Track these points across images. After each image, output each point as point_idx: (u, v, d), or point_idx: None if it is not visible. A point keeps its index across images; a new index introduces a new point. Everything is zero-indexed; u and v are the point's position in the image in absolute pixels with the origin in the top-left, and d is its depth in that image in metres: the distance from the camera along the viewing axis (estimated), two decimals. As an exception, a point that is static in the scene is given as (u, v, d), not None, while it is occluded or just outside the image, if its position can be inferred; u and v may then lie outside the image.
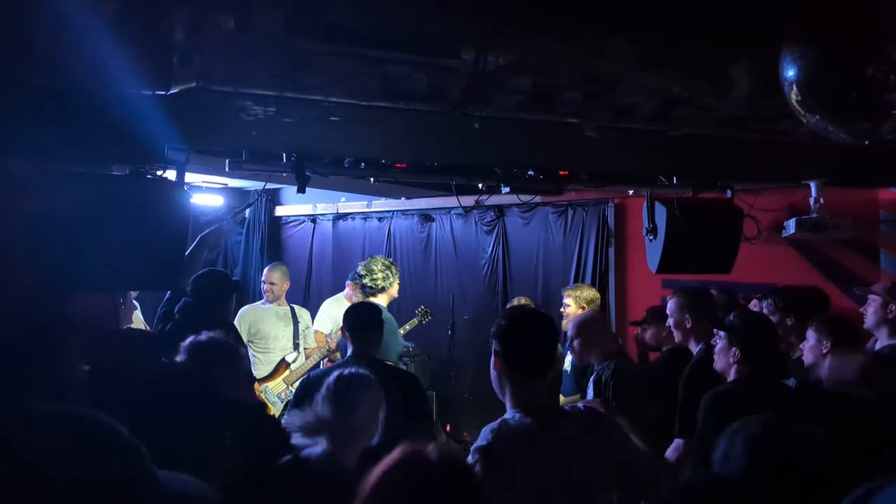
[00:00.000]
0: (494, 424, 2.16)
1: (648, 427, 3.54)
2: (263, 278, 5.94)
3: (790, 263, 5.33)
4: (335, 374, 2.65)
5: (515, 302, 5.09)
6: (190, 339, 2.92)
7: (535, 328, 2.25)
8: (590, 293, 5.13)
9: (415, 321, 6.24)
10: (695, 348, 3.67)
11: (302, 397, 3.43)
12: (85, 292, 3.83)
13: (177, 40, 2.03)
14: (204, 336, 2.91)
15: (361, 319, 3.76)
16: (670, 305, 3.82)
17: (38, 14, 2.12)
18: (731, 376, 3.08)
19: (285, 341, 5.74)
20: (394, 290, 5.40)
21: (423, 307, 6.32)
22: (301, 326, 5.85)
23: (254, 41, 2.06)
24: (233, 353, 2.99)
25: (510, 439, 2.10)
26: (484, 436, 2.13)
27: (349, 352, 3.68)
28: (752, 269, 5.04)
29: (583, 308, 4.96)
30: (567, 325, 5.05)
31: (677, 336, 3.79)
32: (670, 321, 3.81)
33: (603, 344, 3.90)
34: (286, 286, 5.94)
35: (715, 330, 3.21)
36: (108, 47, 2.07)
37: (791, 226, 4.60)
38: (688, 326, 3.68)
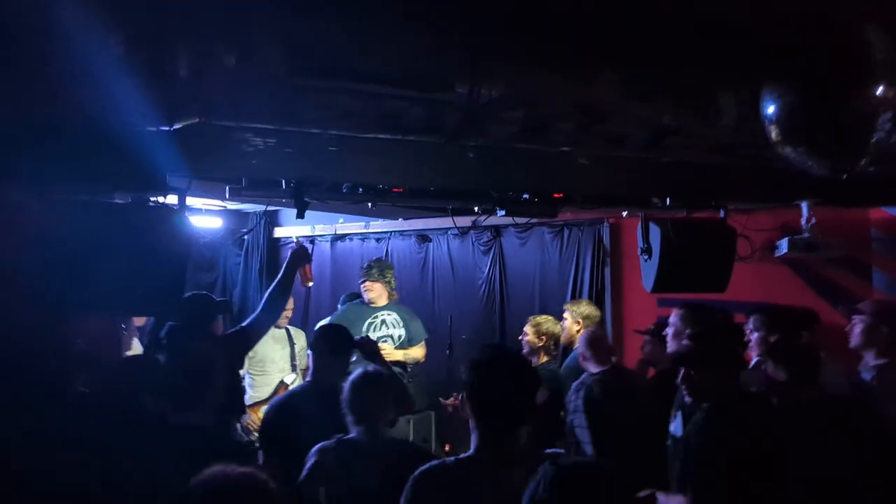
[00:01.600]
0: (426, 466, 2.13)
1: (623, 444, 3.62)
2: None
3: (784, 282, 5.39)
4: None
5: (540, 319, 5.14)
6: None
7: (507, 380, 2.12)
8: (587, 309, 5.18)
9: None
10: None
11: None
12: (87, 318, 3.89)
13: (181, 77, 2.10)
14: None
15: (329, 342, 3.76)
16: (674, 318, 3.84)
17: (44, 50, 2.18)
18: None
19: (283, 363, 5.74)
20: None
21: None
22: (297, 348, 5.86)
23: (254, 78, 2.12)
24: None
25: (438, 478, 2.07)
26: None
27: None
28: (747, 288, 5.09)
29: (578, 322, 5.02)
30: (563, 340, 5.14)
31: (672, 347, 3.80)
32: (669, 331, 3.82)
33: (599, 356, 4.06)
34: (291, 307, 5.91)
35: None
36: (113, 84, 2.13)
37: (783, 245, 4.67)
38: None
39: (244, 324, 4.45)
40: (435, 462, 2.15)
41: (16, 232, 3.03)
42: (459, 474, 2.06)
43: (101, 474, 1.99)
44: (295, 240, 4.74)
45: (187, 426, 2.76)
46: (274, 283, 4.31)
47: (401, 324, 5.86)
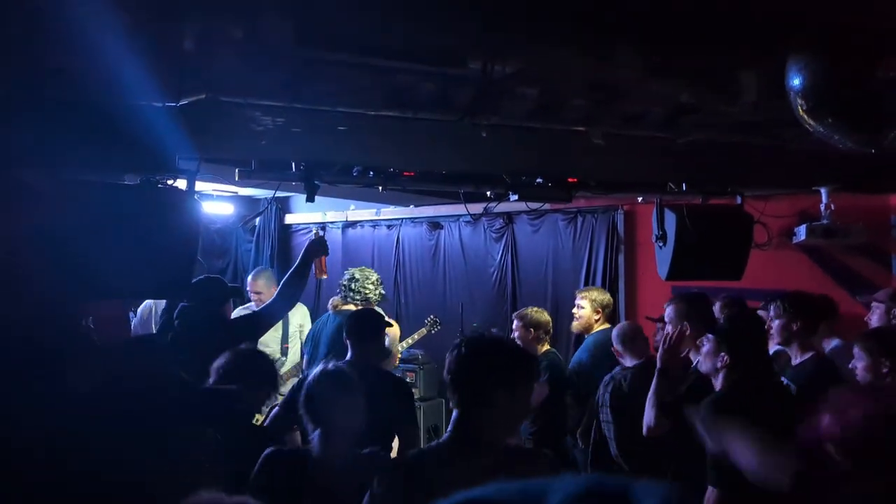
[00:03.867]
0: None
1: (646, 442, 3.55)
2: (248, 287, 5.90)
3: (801, 269, 5.30)
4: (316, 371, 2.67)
5: (525, 311, 5.05)
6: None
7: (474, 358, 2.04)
8: (605, 297, 5.09)
9: (423, 331, 6.24)
10: (694, 357, 3.60)
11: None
12: (97, 301, 3.88)
13: (186, 52, 2.05)
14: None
15: (359, 326, 3.79)
16: (668, 312, 3.73)
17: (51, 28, 2.15)
18: (719, 382, 3.04)
19: (273, 345, 5.69)
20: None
21: (432, 317, 6.31)
22: (291, 329, 5.82)
23: (262, 52, 2.08)
24: None
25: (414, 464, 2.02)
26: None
27: (348, 356, 3.70)
28: (763, 276, 5.01)
29: (598, 312, 4.93)
30: (576, 328, 5.06)
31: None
32: (668, 329, 3.71)
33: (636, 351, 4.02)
34: (273, 290, 5.87)
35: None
36: (120, 60, 2.09)
37: (802, 232, 4.58)
38: (687, 334, 3.59)
39: (258, 309, 4.45)
40: (411, 453, 2.10)
41: (25, 214, 3.02)
42: (424, 463, 2.01)
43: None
44: (314, 231, 4.70)
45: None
46: (290, 272, 4.25)
47: None
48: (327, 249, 4.38)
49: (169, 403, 1.81)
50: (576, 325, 5.05)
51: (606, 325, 4.91)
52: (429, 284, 7.27)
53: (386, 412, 3.00)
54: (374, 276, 5.46)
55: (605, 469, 3.83)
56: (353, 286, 5.36)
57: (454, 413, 2.04)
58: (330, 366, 2.66)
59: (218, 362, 3.09)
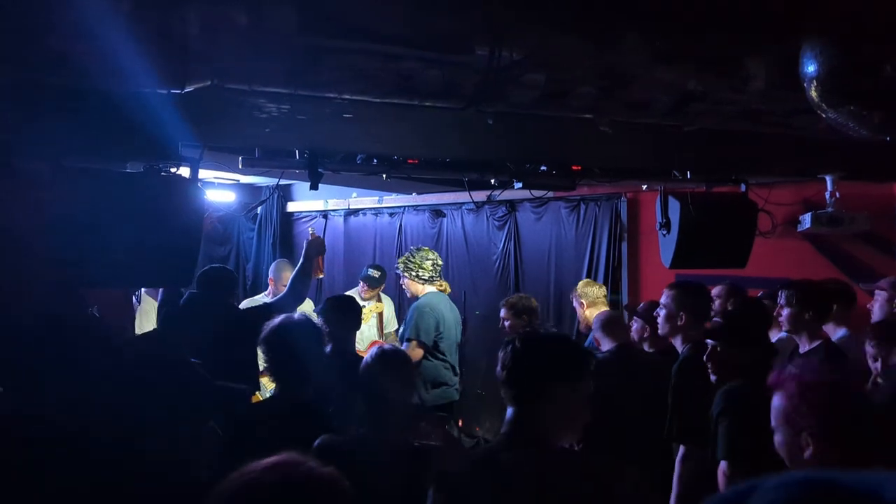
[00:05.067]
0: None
1: (623, 424, 3.55)
2: (272, 276, 5.89)
3: (805, 258, 5.29)
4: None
5: (513, 299, 5.03)
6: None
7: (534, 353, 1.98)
8: (597, 290, 5.08)
9: None
10: (679, 346, 3.55)
11: None
12: (100, 288, 3.87)
13: (191, 39, 2.03)
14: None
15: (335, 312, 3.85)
16: (666, 297, 3.69)
17: (53, 15, 2.13)
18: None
19: None
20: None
21: None
22: None
23: (267, 38, 2.06)
24: None
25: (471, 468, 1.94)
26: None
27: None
28: (767, 264, 5.00)
29: (591, 305, 4.94)
30: (584, 329, 5.05)
31: (663, 329, 3.63)
32: (661, 311, 3.67)
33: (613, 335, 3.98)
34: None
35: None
36: (124, 47, 2.07)
37: (806, 220, 4.57)
38: (679, 323, 3.53)
39: (269, 301, 4.53)
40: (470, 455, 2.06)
41: (28, 203, 3.01)
42: (475, 465, 1.97)
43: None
44: (310, 232, 4.73)
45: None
46: (295, 270, 4.46)
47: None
48: (324, 248, 4.48)
49: (183, 393, 1.80)
50: (583, 327, 5.04)
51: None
52: (431, 272, 7.26)
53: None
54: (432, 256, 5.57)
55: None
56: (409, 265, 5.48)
57: (509, 410, 1.98)
58: (387, 346, 2.78)
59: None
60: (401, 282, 5.71)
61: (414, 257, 5.49)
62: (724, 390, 2.98)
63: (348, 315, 3.94)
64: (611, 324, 4.21)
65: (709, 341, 3.07)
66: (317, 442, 2.55)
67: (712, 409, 2.95)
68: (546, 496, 1.84)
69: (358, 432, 2.64)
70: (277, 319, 3.10)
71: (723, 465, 2.86)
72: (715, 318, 3.24)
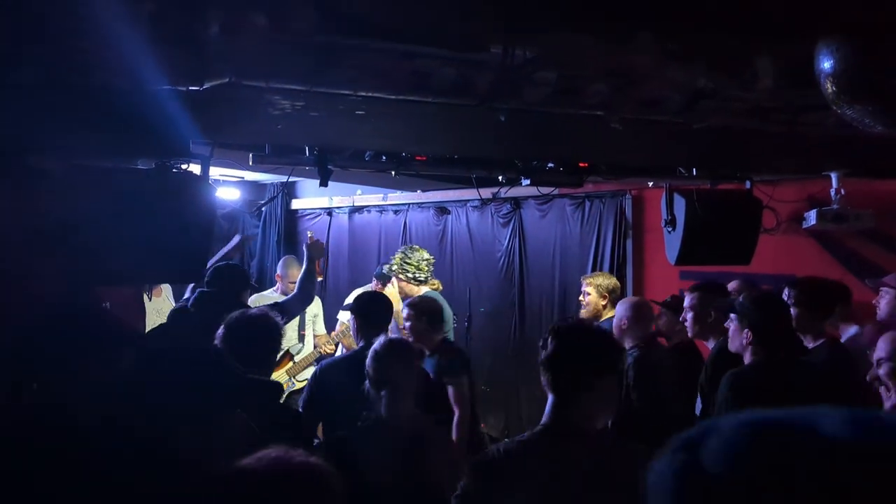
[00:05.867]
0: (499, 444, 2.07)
1: (665, 422, 3.58)
2: (280, 273, 5.93)
3: (810, 255, 5.31)
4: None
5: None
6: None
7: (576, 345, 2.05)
8: (610, 282, 5.08)
9: None
10: (710, 344, 3.66)
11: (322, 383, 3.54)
12: (112, 286, 3.90)
13: (211, 38, 2.06)
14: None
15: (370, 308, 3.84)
16: (691, 299, 3.79)
17: (73, 14, 2.15)
18: (747, 358, 3.10)
19: (290, 332, 5.72)
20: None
21: None
22: (308, 316, 5.86)
23: (286, 38, 2.08)
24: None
25: (509, 456, 1.98)
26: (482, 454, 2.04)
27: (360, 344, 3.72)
28: (772, 261, 5.03)
29: (604, 297, 4.93)
30: (585, 315, 5.05)
31: (692, 330, 3.74)
32: (689, 315, 3.76)
33: (638, 330, 3.96)
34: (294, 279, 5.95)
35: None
36: (144, 46, 2.09)
37: (812, 217, 4.59)
38: (709, 321, 3.67)
39: (280, 300, 4.61)
40: (495, 447, 2.09)
41: (40, 200, 3.03)
42: (515, 453, 2.00)
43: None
44: (309, 235, 4.79)
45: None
46: (301, 272, 4.57)
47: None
48: (324, 251, 4.55)
49: (212, 386, 1.83)
50: (584, 313, 5.02)
51: (615, 311, 4.93)
52: (436, 270, 7.24)
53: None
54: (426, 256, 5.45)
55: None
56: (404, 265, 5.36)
57: (550, 399, 2.06)
58: (393, 335, 2.99)
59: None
60: (389, 283, 5.48)
61: (410, 258, 5.27)
62: (731, 373, 3.02)
63: (377, 311, 3.90)
64: (639, 318, 4.20)
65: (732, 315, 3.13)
66: (336, 433, 2.65)
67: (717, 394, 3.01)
68: (596, 482, 1.91)
69: (369, 419, 2.75)
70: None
71: None
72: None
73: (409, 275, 5.21)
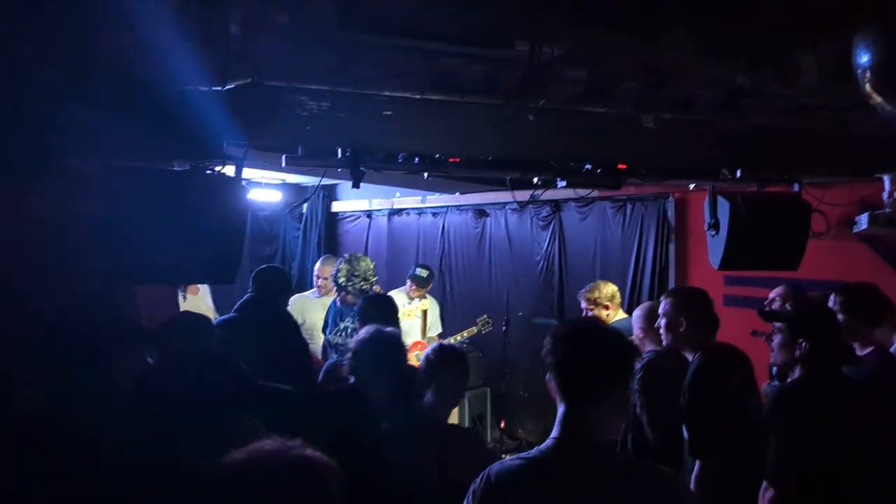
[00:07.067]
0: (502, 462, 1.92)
1: (669, 425, 3.46)
2: (317, 272, 5.99)
3: (861, 260, 5.11)
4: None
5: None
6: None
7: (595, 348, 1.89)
8: (607, 290, 4.87)
9: (474, 329, 6.23)
10: (689, 354, 3.41)
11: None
12: (146, 285, 3.95)
13: (233, 36, 2.05)
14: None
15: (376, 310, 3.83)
16: (663, 305, 3.54)
17: (101, 14, 2.17)
18: (797, 372, 2.94)
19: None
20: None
21: (485, 316, 6.27)
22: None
23: (308, 35, 2.06)
24: None
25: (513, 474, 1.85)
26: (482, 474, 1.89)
27: None
28: (821, 266, 4.84)
29: (606, 307, 4.81)
30: None
31: (666, 339, 3.46)
32: (661, 322, 3.54)
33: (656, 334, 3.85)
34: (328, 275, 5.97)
35: (774, 324, 3.06)
36: (168, 44, 2.10)
37: (863, 221, 4.42)
38: (681, 329, 3.38)
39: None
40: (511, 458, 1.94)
41: (77, 200, 3.08)
42: (529, 468, 1.87)
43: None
44: None
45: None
46: None
47: None
48: None
49: (222, 391, 1.83)
50: None
51: (623, 316, 4.82)
52: (474, 272, 7.24)
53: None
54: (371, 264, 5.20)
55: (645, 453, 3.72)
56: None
57: (561, 410, 1.90)
58: (445, 341, 3.11)
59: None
60: (338, 295, 5.16)
61: (357, 270, 4.95)
62: (780, 390, 2.90)
63: (384, 313, 3.89)
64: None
65: (777, 324, 2.97)
66: (385, 425, 2.83)
67: (765, 410, 2.88)
68: (610, 499, 1.80)
69: (423, 414, 2.89)
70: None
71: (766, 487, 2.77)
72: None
73: (357, 287, 4.92)
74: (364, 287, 4.95)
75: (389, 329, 3.25)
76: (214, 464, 1.34)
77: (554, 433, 1.88)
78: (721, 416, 3.14)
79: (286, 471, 1.33)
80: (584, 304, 4.89)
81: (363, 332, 3.21)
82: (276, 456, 1.35)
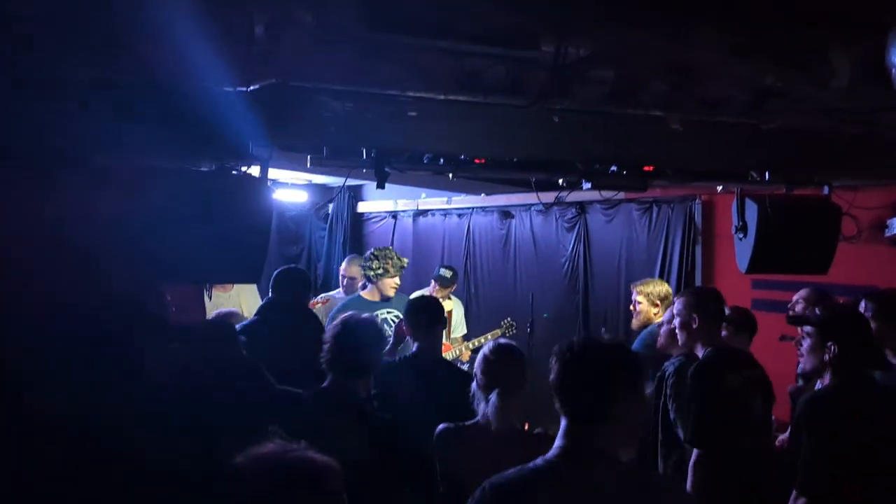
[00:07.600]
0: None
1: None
2: (343, 272, 6.03)
3: (893, 264, 5.01)
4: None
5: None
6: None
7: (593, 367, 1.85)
8: (661, 289, 4.91)
9: (497, 332, 6.21)
10: (700, 352, 3.45)
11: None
12: (171, 284, 4.00)
13: (257, 37, 2.06)
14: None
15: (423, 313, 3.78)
16: (677, 305, 3.59)
17: (126, 14, 2.19)
18: (826, 378, 2.89)
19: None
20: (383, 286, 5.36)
21: (508, 319, 6.25)
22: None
23: (331, 35, 2.06)
24: None
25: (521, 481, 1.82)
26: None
27: (414, 348, 3.69)
28: (851, 271, 4.76)
29: (656, 305, 4.77)
30: (636, 325, 4.89)
31: (681, 338, 3.53)
32: (676, 321, 3.55)
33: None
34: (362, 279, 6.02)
35: (799, 328, 3.02)
36: (193, 46, 2.12)
37: (895, 225, 4.32)
38: (694, 327, 3.43)
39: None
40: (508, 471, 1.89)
41: (102, 200, 3.11)
42: (529, 481, 1.83)
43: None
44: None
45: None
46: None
47: None
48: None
49: (238, 393, 1.84)
50: (635, 323, 4.88)
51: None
52: (499, 274, 7.22)
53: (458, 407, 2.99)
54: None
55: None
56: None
57: (563, 423, 1.88)
58: (502, 340, 3.03)
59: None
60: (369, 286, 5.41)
61: (388, 253, 5.37)
62: (810, 397, 2.85)
63: (425, 314, 3.86)
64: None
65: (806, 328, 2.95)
66: (438, 428, 2.81)
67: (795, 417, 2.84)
68: None
69: (479, 420, 2.81)
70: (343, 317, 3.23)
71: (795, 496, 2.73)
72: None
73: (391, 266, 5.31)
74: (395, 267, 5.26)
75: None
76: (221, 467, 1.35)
77: (557, 444, 1.86)
78: (720, 409, 3.20)
79: (286, 472, 1.34)
80: (634, 296, 4.88)
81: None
82: (277, 458, 1.35)
